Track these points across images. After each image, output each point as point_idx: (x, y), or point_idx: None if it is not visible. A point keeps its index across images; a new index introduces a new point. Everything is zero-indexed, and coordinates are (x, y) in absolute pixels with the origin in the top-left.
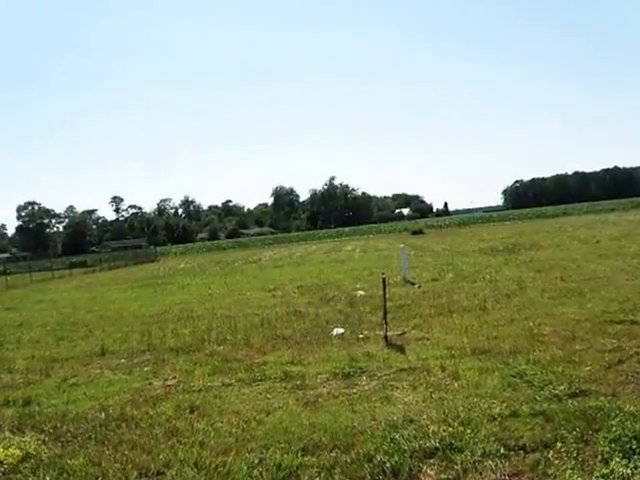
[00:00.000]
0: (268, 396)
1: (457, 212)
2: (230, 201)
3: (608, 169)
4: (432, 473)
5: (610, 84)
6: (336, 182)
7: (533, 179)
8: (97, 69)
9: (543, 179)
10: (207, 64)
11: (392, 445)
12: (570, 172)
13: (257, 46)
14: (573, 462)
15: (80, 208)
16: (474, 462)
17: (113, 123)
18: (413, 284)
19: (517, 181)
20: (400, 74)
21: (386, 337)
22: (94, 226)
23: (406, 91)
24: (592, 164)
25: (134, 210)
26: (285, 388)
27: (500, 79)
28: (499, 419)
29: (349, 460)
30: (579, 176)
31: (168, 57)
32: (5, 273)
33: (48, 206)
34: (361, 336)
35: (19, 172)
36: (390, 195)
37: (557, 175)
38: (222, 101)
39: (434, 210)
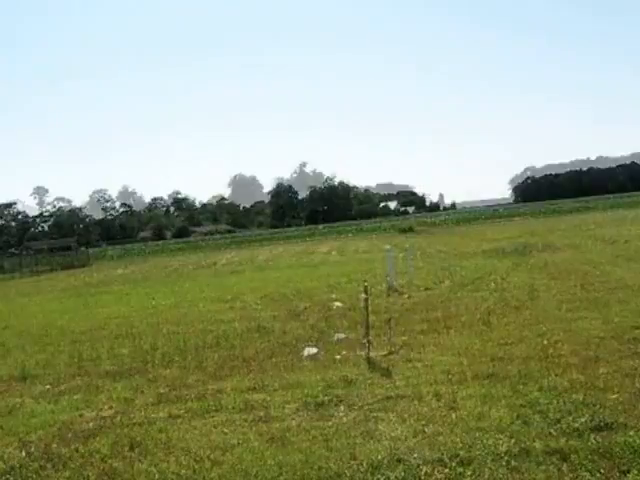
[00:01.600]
0: (225, 430)
1: (455, 206)
2: (179, 193)
3: (637, 154)
4: None
5: (633, 60)
6: (307, 169)
7: (547, 167)
8: (9, 26)
9: (559, 167)
10: (148, 24)
11: None
12: (592, 158)
13: (209, 5)
14: None
15: None
16: None
17: (34, 95)
18: (402, 294)
19: (528, 169)
20: (384, 39)
21: (368, 358)
22: (12, 223)
23: (392, 60)
24: (618, 149)
25: (62, 203)
26: (245, 421)
27: (509, 51)
28: (506, 458)
29: None
30: (602, 163)
31: (99, 13)
32: None
33: None
34: (338, 357)
35: None
36: (373, 185)
37: (576, 161)
38: (167, 71)
39: (427, 204)
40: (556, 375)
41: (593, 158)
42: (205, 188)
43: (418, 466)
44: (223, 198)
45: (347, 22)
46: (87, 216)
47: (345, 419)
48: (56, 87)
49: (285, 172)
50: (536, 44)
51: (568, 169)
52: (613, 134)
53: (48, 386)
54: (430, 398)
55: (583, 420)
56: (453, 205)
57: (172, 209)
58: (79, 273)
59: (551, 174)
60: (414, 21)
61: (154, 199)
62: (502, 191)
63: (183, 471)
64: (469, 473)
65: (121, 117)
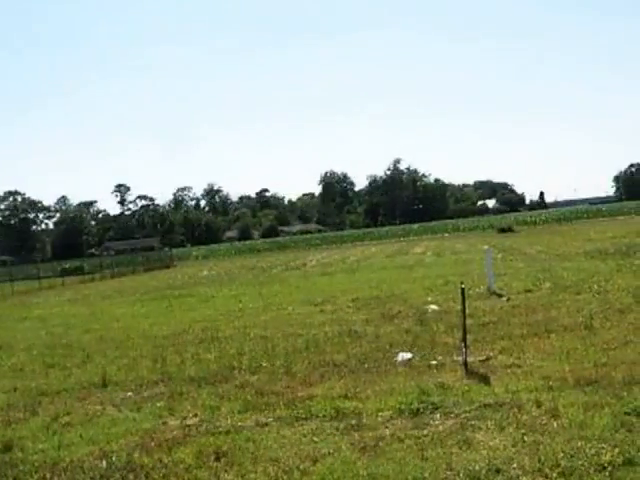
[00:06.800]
0: (315, 439)
1: (556, 204)
2: (267, 190)
3: None
4: None
5: None
6: (402, 166)
7: None
8: (93, 18)
9: None
10: (237, 12)
11: None
12: None
13: None
14: None
15: (75, 199)
16: None
17: (115, 89)
18: (500, 296)
19: (633, 165)
20: (483, 27)
21: (465, 364)
22: (93, 222)
23: (491, 49)
24: None
25: (144, 202)
26: (337, 429)
27: (614, 33)
28: (609, 468)
29: None
30: None
31: (185, 2)
32: None
33: (34, 197)
34: (434, 362)
35: None
36: (471, 183)
37: None
38: (255, 61)
39: (527, 202)
40: None
41: None
42: (294, 186)
43: (517, 476)
44: (313, 196)
45: (443, 13)
46: (170, 215)
47: (441, 427)
48: (138, 82)
49: (378, 169)
50: None
51: None
52: None
53: (130, 393)
54: (530, 406)
55: None
56: (555, 203)
57: (260, 208)
58: (162, 274)
59: None
60: (518, 9)
61: (241, 198)
62: (606, 189)
63: None
64: None
65: (206, 113)
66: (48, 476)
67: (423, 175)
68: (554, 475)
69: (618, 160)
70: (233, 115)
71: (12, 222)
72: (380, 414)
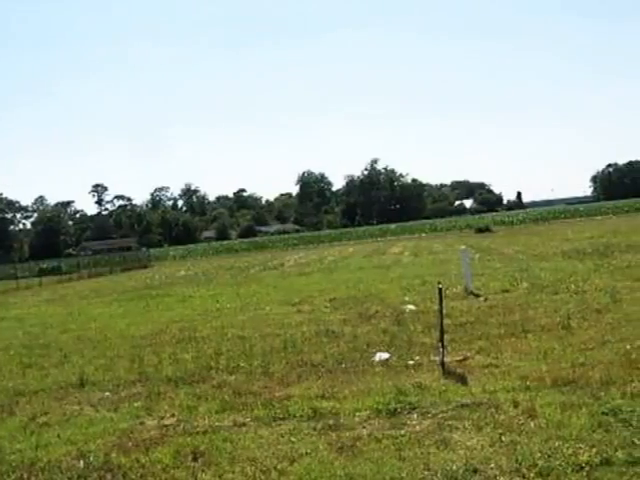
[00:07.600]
0: (292, 439)
1: (534, 204)
2: (244, 190)
3: None
4: None
5: None
6: (379, 166)
7: (631, 162)
8: (70, 17)
9: None
10: (215, 12)
11: None
12: None
13: None
14: None
15: (52, 199)
16: None
17: (92, 89)
18: (478, 296)
19: (610, 165)
20: (462, 27)
21: (443, 364)
22: (70, 222)
23: (469, 49)
24: None
25: (121, 202)
26: (314, 429)
27: (592, 33)
28: (587, 468)
29: None
30: None
31: (162, 2)
32: None
33: (11, 197)
34: (411, 362)
35: None
36: (448, 183)
37: None
38: (233, 61)
39: (504, 202)
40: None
41: None
42: (272, 186)
43: (495, 476)
44: (291, 196)
45: (421, 13)
46: (148, 215)
47: (418, 427)
48: (115, 81)
49: (356, 169)
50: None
51: None
52: None
53: (107, 393)
54: (507, 406)
55: None
56: (532, 203)
57: (237, 208)
58: (139, 274)
59: (636, 169)
60: (498, 10)
61: (218, 198)
62: (584, 189)
63: None
64: None
65: (183, 112)
66: (25, 476)
67: (400, 175)
68: (531, 475)
69: (595, 160)
70: (210, 115)
71: None
72: (357, 414)
